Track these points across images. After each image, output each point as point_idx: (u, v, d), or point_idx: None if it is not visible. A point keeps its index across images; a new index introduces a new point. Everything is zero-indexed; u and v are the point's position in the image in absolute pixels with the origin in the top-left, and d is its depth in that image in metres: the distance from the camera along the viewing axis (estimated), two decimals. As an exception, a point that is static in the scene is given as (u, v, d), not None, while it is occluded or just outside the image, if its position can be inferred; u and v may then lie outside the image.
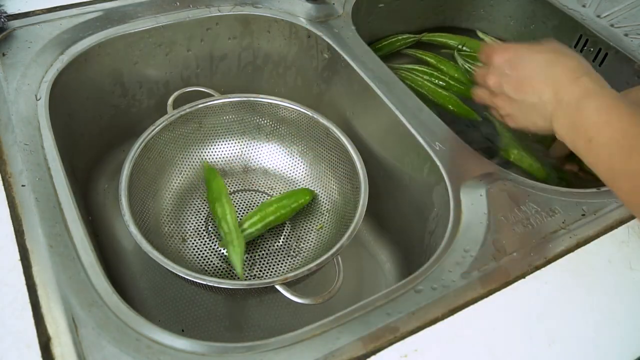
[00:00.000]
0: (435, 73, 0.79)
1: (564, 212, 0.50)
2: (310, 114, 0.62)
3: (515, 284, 0.44)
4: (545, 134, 0.50)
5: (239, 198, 0.65)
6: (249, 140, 0.67)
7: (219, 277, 0.55)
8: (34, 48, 0.58)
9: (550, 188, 0.52)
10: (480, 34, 0.90)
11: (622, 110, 0.41)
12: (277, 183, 0.66)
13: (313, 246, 0.60)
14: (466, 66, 0.80)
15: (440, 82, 0.78)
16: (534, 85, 0.49)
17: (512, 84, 0.51)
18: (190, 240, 0.60)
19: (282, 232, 0.61)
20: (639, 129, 0.39)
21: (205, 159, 0.66)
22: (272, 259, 0.59)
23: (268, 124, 0.66)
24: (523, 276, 0.45)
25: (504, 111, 0.54)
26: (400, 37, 0.86)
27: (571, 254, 0.47)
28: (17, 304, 0.38)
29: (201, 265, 0.58)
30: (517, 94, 0.50)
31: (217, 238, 0.60)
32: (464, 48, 0.84)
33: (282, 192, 0.66)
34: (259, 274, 0.58)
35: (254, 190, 0.66)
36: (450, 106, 0.75)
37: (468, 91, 0.78)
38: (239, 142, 0.67)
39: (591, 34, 0.75)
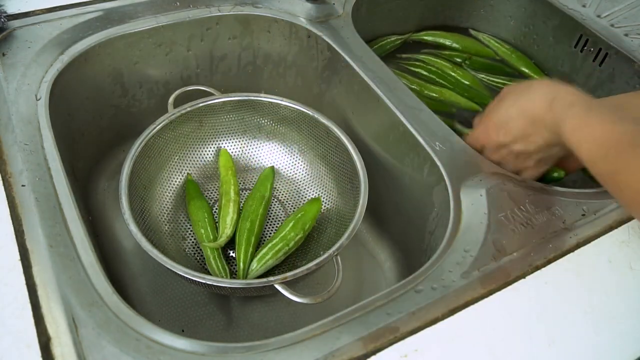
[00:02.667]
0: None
1: (564, 212, 0.50)
2: (311, 114, 0.62)
3: (515, 284, 0.44)
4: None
5: (240, 197, 0.65)
6: (249, 140, 0.67)
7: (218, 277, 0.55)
8: (34, 48, 0.58)
9: (550, 188, 0.52)
10: (473, 33, 0.90)
11: (593, 124, 0.43)
12: (277, 182, 0.66)
13: (313, 246, 0.60)
14: (479, 76, 0.82)
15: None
16: (532, 133, 0.51)
17: (520, 143, 0.52)
18: (190, 239, 0.60)
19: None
20: (610, 135, 0.42)
21: (206, 158, 0.66)
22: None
23: (268, 123, 0.66)
24: (523, 276, 0.45)
25: (528, 164, 0.55)
26: (389, 39, 0.86)
27: (571, 254, 0.47)
28: (17, 304, 0.38)
29: (201, 264, 0.58)
30: (529, 146, 0.52)
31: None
32: (469, 57, 0.85)
33: (282, 192, 0.66)
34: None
35: (252, 189, 0.66)
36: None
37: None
38: (239, 141, 0.67)
39: (591, 34, 0.75)
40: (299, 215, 0.58)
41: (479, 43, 0.89)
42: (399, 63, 0.83)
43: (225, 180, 0.62)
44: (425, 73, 0.82)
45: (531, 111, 0.50)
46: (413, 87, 0.78)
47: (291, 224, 0.57)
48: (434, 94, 0.78)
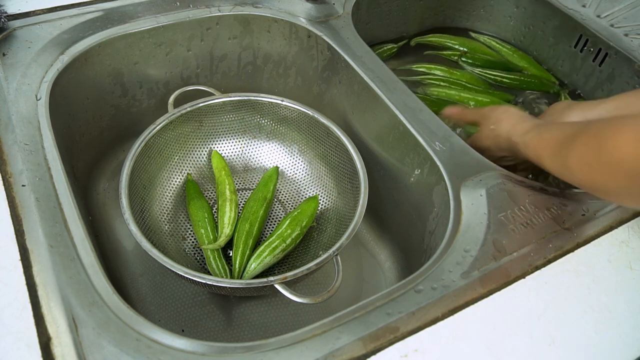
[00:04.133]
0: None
1: (564, 212, 0.50)
2: (311, 113, 0.62)
3: (515, 284, 0.44)
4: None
5: (240, 197, 0.65)
6: (249, 139, 0.67)
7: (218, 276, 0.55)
8: (34, 48, 0.58)
9: (550, 188, 0.52)
10: (473, 35, 0.90)
11: (545, 136, 0.51)
12: (277, 183, 0.66)
13: (312, 246, 0.60)
14: (477, 71, 0.81)
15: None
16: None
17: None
18: (190, 239, 0.60)
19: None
20: (557, 137, 0.48)
21: (206, 158, 0.66)
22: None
23: (268, 123, 0.66)
24: (523, 276, 0.45)
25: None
26: (386, 47, 0.86)
27: (571, 254, 0.47)
28: (17, 304, 0.38)
29: (201, 264, 0.58)
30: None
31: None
32: (464, 53, 0.85)
33: (282, 192, 0.66)
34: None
35: (254, 189, 0.66)
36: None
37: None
38: (239, 141, 0.67)
39: (591, 34, 0.75)
40: (296, 213, 0.59)
41: (480, 44, 0.89)
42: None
43: (220, 182, 0.62)
44: (423, 82, 0.82)
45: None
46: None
47: (287, 222, 0.58)
48: (434, 95, 0.78)
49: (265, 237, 0.61)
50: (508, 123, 0.57)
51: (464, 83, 0.81)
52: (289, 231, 0.57)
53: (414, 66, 0.84)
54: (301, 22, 0.68)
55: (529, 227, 0.48)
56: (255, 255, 0.55)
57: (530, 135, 0.53)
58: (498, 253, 0.46)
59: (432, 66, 0.83)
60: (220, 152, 0.66)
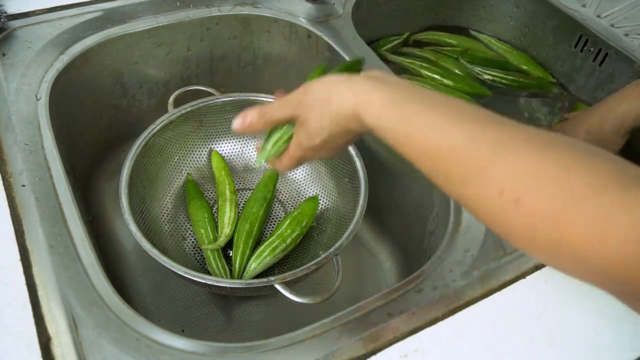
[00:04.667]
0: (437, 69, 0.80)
1: (564, 212, 0.50)
2: (310, 114, 0.61)
3: (515, 284, 0.44)
4: None
5: (240, 197, 0.65)
6: (249, 140, 0.67)
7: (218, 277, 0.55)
8: (34, 48, 0.58)
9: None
10: (473, 33, 0.90)
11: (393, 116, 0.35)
12: (278, 183, 0.66)
13: (312, 246, 0.60)
14: (476, 70, 0.81)
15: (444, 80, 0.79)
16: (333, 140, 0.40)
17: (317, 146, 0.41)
18: (190, 239, 0.60)
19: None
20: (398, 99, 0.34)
21: (206, 158, 0.66)
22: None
23: (268, 123, 0.66)
24: (523, 276, 0.45)
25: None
26: (388, 39, 0.86)
27: (571, 254, 0.47)
28: (17, 304, 0.38)
29: (201, 264, 0.58)
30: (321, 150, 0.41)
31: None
32: (465, 51, 0.85)
33: (282, 192, 0.66)
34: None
35: (254, 189, 0.66)
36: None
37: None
38: (239, 141, 0.67)
39: (591, 34, 0.75)
40: (295, 213, 0.59)
41: (480, 44, 0.89)
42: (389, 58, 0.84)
43: (220, 182, 0.62)
44: (412, 66, 0.82)
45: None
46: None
47: (287, 222, 0.58)
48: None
49: (265, 237, 0.61)
50: (347, 96, 0.36)
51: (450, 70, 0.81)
52: (289, 231, 0.57)
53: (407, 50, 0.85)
54: (301, 22, 0.69)
55: (529, 227, 0.48)
56: (255, 255, 0.55)
57: (387, 113, 0.34)
58: (498, 253, 0.46)
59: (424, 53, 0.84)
60: (220, 152, 0.66)
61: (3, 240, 0.42)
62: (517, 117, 0.67)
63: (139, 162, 0.55)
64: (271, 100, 0.63)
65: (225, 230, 0.57)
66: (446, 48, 0.86)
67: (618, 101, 0.61)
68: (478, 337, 0.40)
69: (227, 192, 0.61)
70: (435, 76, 0.79)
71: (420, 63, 0.81)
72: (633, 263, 0.24)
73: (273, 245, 0.55)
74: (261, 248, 0.55)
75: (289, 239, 0.56)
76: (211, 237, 0.57)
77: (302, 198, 0.65)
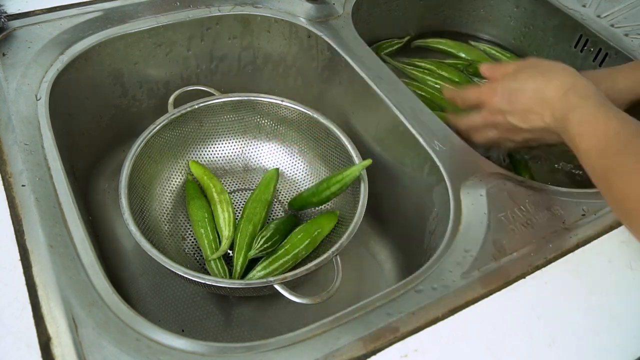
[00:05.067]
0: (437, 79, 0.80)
1: (564, 212, 0.50)
2: (311, 114, 0.62)
3: (515, 284, 0.44)
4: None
5: (239, 197, 0.65)
6: (249, 140, 0.67)
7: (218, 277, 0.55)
8: (34, 48, 0.58)
9: (550, 188, 0.52)
10: (473, 44, 0.89)
11: (600, 119, 0.45)
12: (277, 183, 0.66)
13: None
14: (475, 80, 0.81)
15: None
16: (536, 112, 0.52)
17: (517, 116, 0.54)
18: (190, 239, 0.60)
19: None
20: (613, 133, 0.43)
21: (206, 158, 0.66)
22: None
23: (268, 123, 0.66)
24: (523, 276, 0.45)
25: (515, 138, 0.56)
26: (387, 42, 0.86)
27: (571, 254, 0.47)
28: (17, 304, 0.38)
29: (201, 264, 0.58)
30: (525, 123, 0.53)
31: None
32: (471, 64, 0.84)
33: (282, 192, 0.66)
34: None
35: (254, 189, 0.66)
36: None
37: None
38: (239, 141, 0.67)
39: (591, 34, 0.75)
40: (315, 233, 0.56)
41: (480, 53, 0.88)
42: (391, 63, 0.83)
43: (206, 187, 0.61)
44: (416, 73, 0.81)
45: (544, 92, 0.51)
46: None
47: (306, 242, 0.55)
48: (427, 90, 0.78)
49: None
50: (562, 78, 0.49)
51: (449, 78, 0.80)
52: (303, 252, 0.55)
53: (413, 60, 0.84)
54: (301, 22, 0.69)
55: (529, 227, 0.48)
56: (263, 264, 0.54)
57: (587, 103, 0.46)
58: (498, 253, 0.46)
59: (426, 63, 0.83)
60: (218, 153, 0.66)
61: (3, 240, 0.42)
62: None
63: (139, 162, 0.55)
64: (271, 100, 0.63)
65: (225, 232, 0.57)
66: (448, 60, 0.85)
67: (621, 75, 0.60)
68: (478, 337, 0.40)
69: (215, 195, 0.60)
70: (437, 86, 0.79)
71: (422, 70, 0.81)
72: None
73: (283, 260, 0.54)
74: (274, 263, 0.54)
75: (300, 255, 0.55)
76: (211, 237, 0.57)
77: (302, 198, 0.65)
